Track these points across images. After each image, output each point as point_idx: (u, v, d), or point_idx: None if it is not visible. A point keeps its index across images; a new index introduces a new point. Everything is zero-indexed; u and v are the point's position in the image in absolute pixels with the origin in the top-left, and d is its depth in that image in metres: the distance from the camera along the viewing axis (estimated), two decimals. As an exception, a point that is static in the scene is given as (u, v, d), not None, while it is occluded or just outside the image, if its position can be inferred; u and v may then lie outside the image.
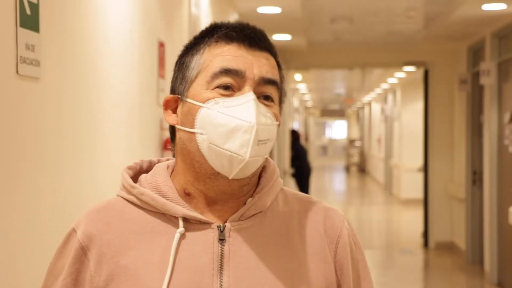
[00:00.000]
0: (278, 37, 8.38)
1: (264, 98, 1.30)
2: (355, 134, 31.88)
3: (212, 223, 1.30)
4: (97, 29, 2.79)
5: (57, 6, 2.35)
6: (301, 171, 11.22)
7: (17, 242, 2.03)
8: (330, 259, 1.34)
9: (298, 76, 13.54)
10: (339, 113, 32.67)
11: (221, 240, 1.29)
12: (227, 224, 1.30)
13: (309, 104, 26.17)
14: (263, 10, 6.59)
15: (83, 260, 1.30)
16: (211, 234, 1.29)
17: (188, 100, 1.30)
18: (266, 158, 1.37)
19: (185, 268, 1.27)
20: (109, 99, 2.95)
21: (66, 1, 2.46)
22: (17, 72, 1.98)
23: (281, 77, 1.35)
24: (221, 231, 1.29)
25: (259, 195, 1.33)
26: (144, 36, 3.52)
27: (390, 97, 18.07)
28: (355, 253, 1.39)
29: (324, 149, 37.73)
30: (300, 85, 15.98)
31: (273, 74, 1.32)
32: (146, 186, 1.34)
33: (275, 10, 6.59)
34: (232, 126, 1.24)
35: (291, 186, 11.20)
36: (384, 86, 17.04)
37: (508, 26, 7.03)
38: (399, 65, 10.23)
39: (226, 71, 1.28)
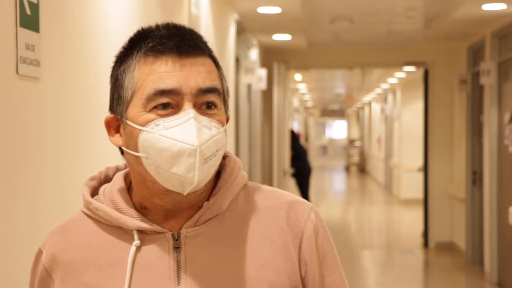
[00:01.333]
0: (278, 37, 8.37)
1: (206, 106, 1.25)
2: (355, 134, 31.87)
3: (166, 232, 1.27)
4: (97, 29, 2.79)
5: (57, 6, 2.35)
6: (301, 171, 11.22)
7: (16, 242, 2.03)
8: (294, 256, 1.29)
9: (298, 76, 13.53)
10: (339, 113, 32.66)
11: (176, 248, 1.26)
12: (182, 231, 1.27)
13: (309, 104, 26.16)
14: (263, 10, 6.58)
15: (49, 282, 1.32)
16: (166, 244, 1.27)
17: (128, 122, 1.25)
18: (227, 156, 1.34)
19: (142, 280, 1.25)
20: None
21: (66, 1, 2.46)
22: (17, 72, 1.98)
23: (221, 77, 1.30)
24: (176, 239, 1.27)
25: (215, 198, 1.29)
26: (144, 36, 3.52)
27: (390, 97, 18.07)
28: (322, 246, 1.34)
29: (324, 149, 37.72)
30: (300, 85, 15.97)
31: (212, 80, 1.25)
32: (103, 199, 1.32)
33: (275, 10, 6.59)
34: (175, 150, 1.20)
35: (291, 186, 11.20)
36: (384, 86, 17.03)
37: (508, 26, 7.03)
38: (399, 65, 10.23)
39: (161, 92, 1.22)
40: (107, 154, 2.89)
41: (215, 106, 1.26)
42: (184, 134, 1.20)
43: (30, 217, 2.10)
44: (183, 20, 4.46)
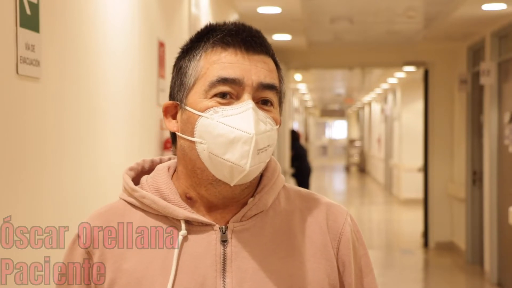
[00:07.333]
0: (278, 37, 8.38)
1: (263, 102, 1.29)
2: (355, 134, 31.87)
3: (214, 225, 1.30)
4: (97, 29, 2.79)
5: (57, 6, 2.35)
6: (301, 171, 11.21)
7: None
8: (333, 256, 1.34)
9: (298, 76, 13.53)
10: (339, 113, 32.66)
11: (224, 241, 1.29)
12: (229, 225, 1.30)
13: (309, 104, 26.16)
14: (263, 10, 6.59)
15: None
16: (214, 236, 1.29)
17: (187, 108, 1.29)
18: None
19: (188, 270, 1.27)
20: (109, 99, 2.95)
21: (66, 1, 2.46)
22: (17, 72, 1.98)
23: (280, 78, 1.34)
24: (223, 232, 1.29)
25: (260, 195, 1.33)
26: (144, 36, 3.52)
27: (390, 97, 18.07)
28: (358, 249, 1.39)
29: (324, 149, 37.71)
30: (300, 85, 15.98)
31: (272, 78, 1.31)
32: (147, 188, 1.34)
33: (275, 10, 6.59)
34: (231, 137, 1.24)
35: (291, 186, 11.17)
36: (384, 86, 17.04)
37: (508, 26, 7.03)
38: (399, 65, 10.23)
39: (224, 80, 1.27)
40: (107, 154, 2.89)
41: (272, 103, 1.30)
42: (241, 122, 1.24)
43: (30, 217, 2.10)
44: (183, 20, 4.46)
